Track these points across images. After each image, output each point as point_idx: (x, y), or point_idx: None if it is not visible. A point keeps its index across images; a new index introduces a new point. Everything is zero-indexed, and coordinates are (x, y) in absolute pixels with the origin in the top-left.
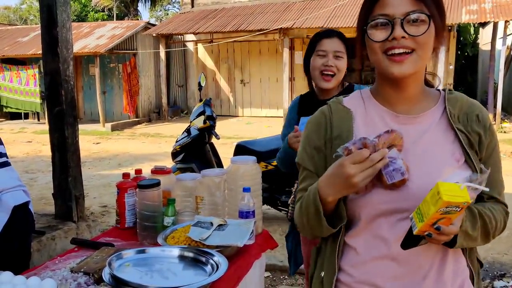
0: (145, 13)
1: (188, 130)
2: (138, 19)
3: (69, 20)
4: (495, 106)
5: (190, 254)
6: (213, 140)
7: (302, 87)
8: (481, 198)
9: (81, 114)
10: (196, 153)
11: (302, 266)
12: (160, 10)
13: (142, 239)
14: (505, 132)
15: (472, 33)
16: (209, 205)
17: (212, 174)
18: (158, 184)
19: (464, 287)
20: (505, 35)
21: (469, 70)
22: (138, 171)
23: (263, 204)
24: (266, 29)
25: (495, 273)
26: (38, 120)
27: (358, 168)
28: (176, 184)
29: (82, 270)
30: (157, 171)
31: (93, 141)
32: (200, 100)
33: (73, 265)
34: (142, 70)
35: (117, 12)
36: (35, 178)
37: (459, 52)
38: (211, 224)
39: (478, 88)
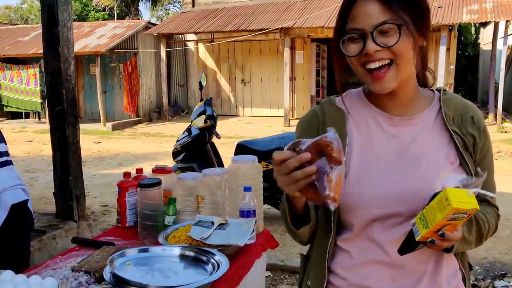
0: (146, 12)
1: (189, 130)
2: (139, 19)
3: (70, 19)
4: (496, 106)
5: (191, 253)
6: (214, 139)
7: (302, 87)
8: None
9: (81, 113)
10: (196, 152)
11: None
12: (161, 9)
13: (143, 238)
14: (506, 132)
15: (473, 33)
16: (210, 204)
17: (213, 173)
18: (159, 183)
19: None
20: (506, 35)
21: (470, 70)
22: (139, 170)
23: (264, 204)
24: (267, 29)
25: (496, 273)
26: (39, 119)
27: (277, 173)
28: (177, 184)
29: (83, 269)
30: (158, 170)
31: (94, 141)
32: (201, 100)
33: (74, 264)
34: (143, 70)
35: (118, 12)
36: (36, 178)
37: (460, 52)
38: (212, 223)
39: (479, 88)
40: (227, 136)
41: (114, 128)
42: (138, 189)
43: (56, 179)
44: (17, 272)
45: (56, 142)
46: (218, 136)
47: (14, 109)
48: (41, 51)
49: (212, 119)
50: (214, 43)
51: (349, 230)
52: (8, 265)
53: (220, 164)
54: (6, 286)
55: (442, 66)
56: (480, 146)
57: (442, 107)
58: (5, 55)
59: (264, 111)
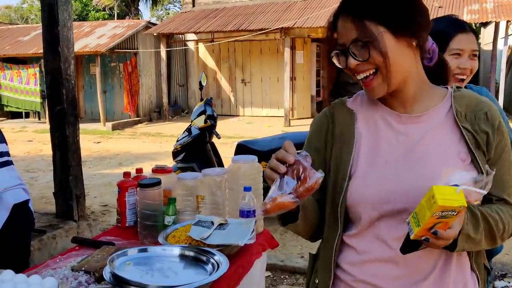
0: (146, 12)
1: (189, 130)
2: (139, 18)
3: (70, 19)
4: None
5: (191, 253)
6: (214, 139)
7: (302, 87)
8: (489, 199)
9: (81, 113)
10: (197, 152)
11: (304, 266)
12: (161, 9)
13: (142, 238)
14: None
15: None
16: (210, 204)
17: (213, 173)
18: (159, 183)
19: None
20: (506, 35)
21: None
22: (139, 170)
23: None
24: (267, 29)
25: (496, 273)
26: (39, 119)
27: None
28: (177, 183)
29: (83, 269)
30: (158, 170)
31: (93, 141)
32: (201, 100)
33: (74, 264)
34: (143, 70)
35: (118, 11)
36: (36, 177)
37: None
38: (212, 223)
39: None
40: (227, 136)
41: (114, 128)
42: (138, 189)
43: (56, 179)
44: (17, 271)
45: (56, 142)
46: (218, 136)
47: (14, 109)
48: (41, 51)
49: (212, 119)
50: (214, 43)
51: (356, 226)
52: (9, 265)
53: (220, 164)
54: (6, 286)
55: None
56: (495, 144)
57: (452, 104)
58: (5, 54)
59: (264, 111)
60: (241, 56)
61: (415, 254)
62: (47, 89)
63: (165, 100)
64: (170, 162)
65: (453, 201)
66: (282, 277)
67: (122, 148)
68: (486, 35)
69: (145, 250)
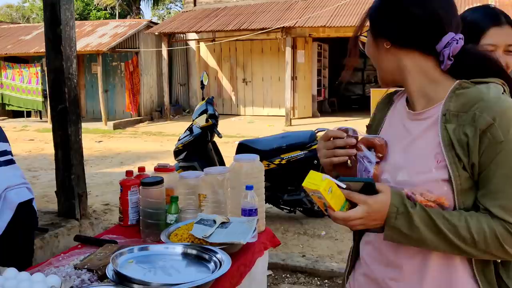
0: (147, 11)
1: (190, 129)
2: (140, 18)
3: (72, 18)
4: None
5: (194, 251)
6: (215, 138)
7: (304, 86)
8: (477, 207)
9: (83, 112)
10: (198, 151)
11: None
12: (162, 8)
13: (145, 236)
14: None
15: None
16: (212, 203)
17: (215, 172)
18: (161, 181)
19: None
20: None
21: None
22: (142, 169)
23: (265, 203)
24: (268, 28)
25: None
26: (40, 118)
27: (322, 145)
28: (179, 182)
29: (85, 266)
30: (160, 169)
31: (95, 140)
32: (203, 99)
33: (77, 262)
34: (144, 69)
35: (119, 11)
36: (38, 176)
37: None
38: (214, 221)
39: None
40: (228, 136)
41: (116, 127)
42: (140, 187)
43: (58, 177)
44: (21, 270)
45: (58, 141)
46: (219, 135)
47: (15, 108)
48: (42, 50)
49: (213, 118)
50: (216, 42)
51: None
52: (13, 263)
53: (222, 163)
54: (10, 283)
55: None
56: (481, 149)
57: (445, 102)
58: (6, 53)
59: (265, 111)
60: (242, 55)
61: (403, 257)
62: (49, 88)
63: (166, 99)
64: (171, 161)
65: (313, 185)
66: (283, 276)
67: (124, 147)
68: None
69: (147, 248)
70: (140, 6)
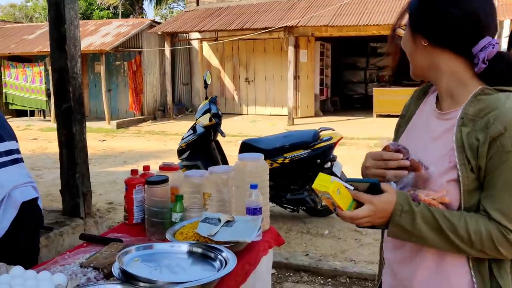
0: (150, 11)
1: (194, 128)
2: (143, 17)
3: (76, 18)
4: None
5: (199, 250)
6: (218, 137)
7: (306, 86)
8: (478, 209)
9: (86, 111)
10: (201, 150)
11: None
12: (165, 8)
13: (150, 235)
14: None
15: None
16: (216, 201)
17: (220, 171)
18: (166, 180)
19: None
20: (511, 34)
21: None
22: (146, 168)
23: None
24: (271, 27)
25: None
26: (44, 117)
27: (371, 163)
28: (184, 181)
29: (91, 265)
30: (165, 167)
31: (98, 139)
32: (206, 98)
33: (82, 260)
34: (147, 68)
35: (122, 10)
36: (41, 175)
37: None
38: (219, 220)
39: None
40: (231, 135)
41: (119, 126)
42: (145, 186)
43: (63, 176)
44: (26, 268)
45: (62, 140)
46: (223, 134)
47: (19, 107)
48: (46, 49)
49: (217, 117)
50: (218, 41)
51: None
52: (18, 262)
53: (225, 162)
54: (17, 281)
55: None
56: (489, 155)
57: (464, 106)
58: (10, 53)
59: (268, 110)
60: (245, 54)
61: (401, 258)
62: (54, 87)
63: (169, 98)
64: (174, 160)
65: (323, 186)
66: (286, 274)
67: (127, 146)
68: None
69: (153, 247)
70: (143, 6)
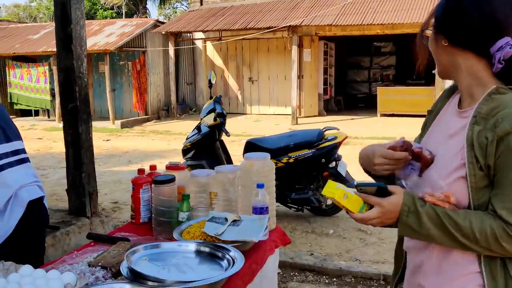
0: (153, 11)
1: (198, 127)
2: (147, 17)
3: (82, 18)
4: None
5: (207, 249)
6: (223, 137)
7: (310, 85)
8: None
9: (91, 111)
10: (206, 150)
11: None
12: (169, 8)
13: (157, 234)
14: None
15: None
16: (223, 201)
17: (226, 170)
18: (173, 180)
19: None
20: None
21: None
22: (153, 167)
23: None
24: (275, 27)
25: None
26: (48, 117)
27: (382, 161)
28: (190, 180)
29: (99, 264)
30: (171, 167)
31: (103, 138)
32: (210, 98)
33: (90, 259)
34: (151, 68)
35: (126, 10)
36: (46, 175)
37: None
38: (226, 219)
39: None
40: (235, 134)
41: (123, 126)
42: (152, 185)
43: (69, 175)
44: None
45: (69, 139)
46: (227, 134)
47: (24, 107)
48: (50, 49)
49: (221, 117)
50: (222, 41)
51: None
52: (24, 261)
53: (229, 162)
54: (26, 280)
55: None
56: (497, 154)
57: (477, 105)
58: (14, 53)
59: (272, 109)
60: (249, 54)
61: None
62: (60, 86)
63: (173, 98)
64: (179, 160)
65: (330, 193)
66: (291, 274)
67: (131, 146)
68: None
69: (161, 246)
70: (147, 6)
